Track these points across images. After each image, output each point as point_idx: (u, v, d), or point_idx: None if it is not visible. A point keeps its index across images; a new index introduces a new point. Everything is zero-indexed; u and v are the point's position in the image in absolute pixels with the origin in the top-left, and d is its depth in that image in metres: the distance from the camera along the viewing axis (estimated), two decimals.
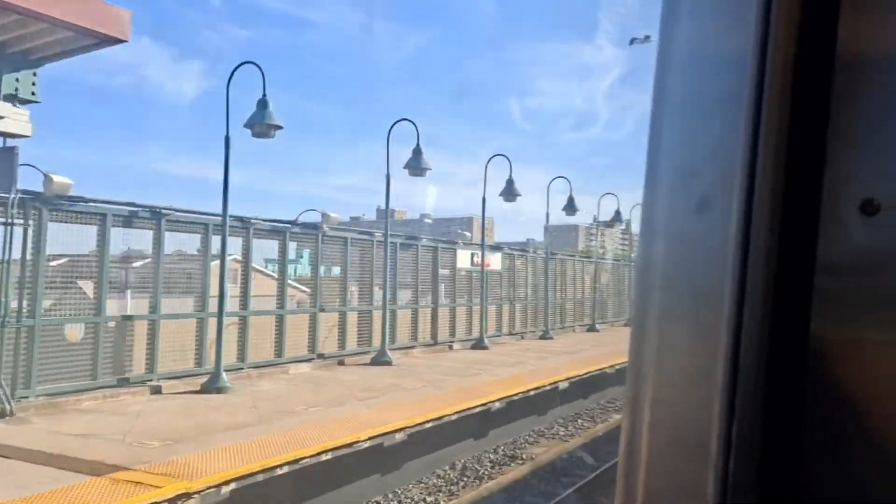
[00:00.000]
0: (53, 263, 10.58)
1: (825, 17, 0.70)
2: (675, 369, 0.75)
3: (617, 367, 16.39)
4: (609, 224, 26.82)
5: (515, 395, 12.55)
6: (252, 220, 13.72)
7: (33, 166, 10.38)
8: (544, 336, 23.28)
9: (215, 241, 12.35)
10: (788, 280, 0.70)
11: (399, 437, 9.23)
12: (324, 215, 15.91)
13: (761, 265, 0.69)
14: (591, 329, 26.49)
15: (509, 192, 20.66)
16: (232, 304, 12.78)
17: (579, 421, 14.63)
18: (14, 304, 9.67)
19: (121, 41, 10.75)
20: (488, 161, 19.83)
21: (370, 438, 8.73)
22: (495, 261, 22.11)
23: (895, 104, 0.68)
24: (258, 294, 14.31)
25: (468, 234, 26.05)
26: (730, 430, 0.69)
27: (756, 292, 0.69)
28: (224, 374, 11.40)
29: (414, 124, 16.37)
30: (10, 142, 10.89)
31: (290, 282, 15.40)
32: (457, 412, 10.69)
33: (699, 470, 0.70)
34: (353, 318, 16.39)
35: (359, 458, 8.52)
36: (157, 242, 11.85)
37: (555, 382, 14.16)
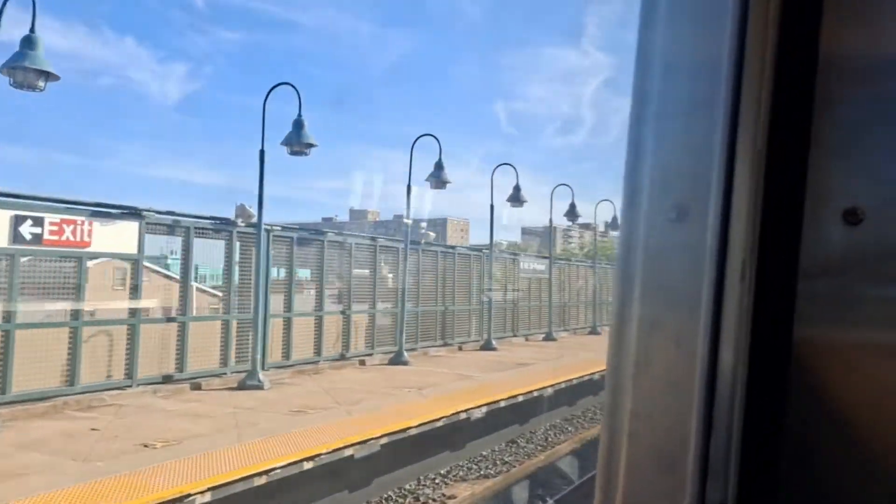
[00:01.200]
0: None
1: (807, 22, 0.69)
2: (653, 380, 0.74)
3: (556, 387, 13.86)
4: (572, 218, 24.49)
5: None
6: (144, 213, 11.42)
7: None
8: (487, 346, 20.17)
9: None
10: (768, 289, 0.69)
11: None
12: (239, 208, 12.83)
13: (737, 274, 0.69)
14: (549, 338, 23.75)
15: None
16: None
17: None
18: None
19: None
20: (413, 143, 18.00)
21: None
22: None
23: (879, 111, 0.69)
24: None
25: (432, 234, 23.04)
26: (707, 445, 0.69)
27: (733, 301, 0.69)
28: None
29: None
30: None
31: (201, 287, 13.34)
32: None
33: (677, 484, 0.71)
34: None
35: None
36: None
37: (467, 409, 10.87)
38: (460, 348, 20.00)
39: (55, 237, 9.88)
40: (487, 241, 21.46)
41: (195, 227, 12.48)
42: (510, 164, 21.43)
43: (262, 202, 12.03)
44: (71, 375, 10.40)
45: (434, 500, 9.19)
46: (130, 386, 11.22)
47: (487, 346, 20.02)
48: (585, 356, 18.04)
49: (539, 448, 12.01)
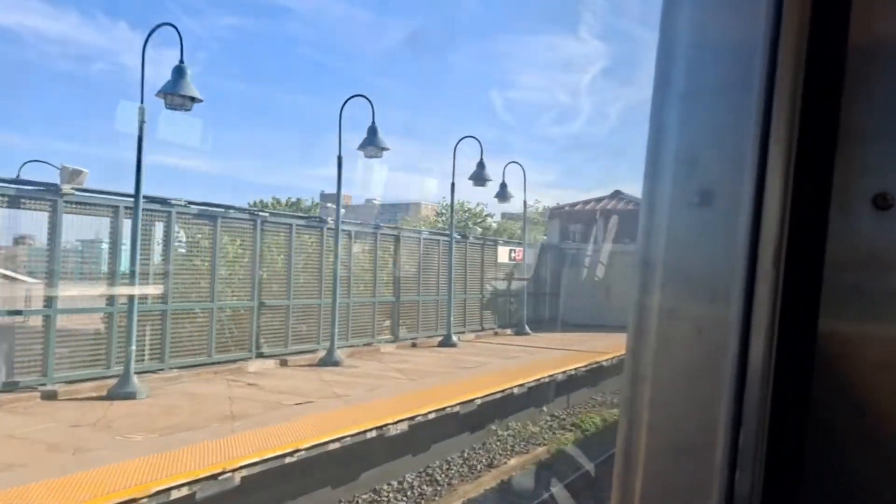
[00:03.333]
0: None
1: (837, 4, 0.68)
2: (673, 369, 0.73)
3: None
4: (479, 182, 18.89)
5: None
6: None
7: None
8: (327, 361, 13.90)
9: None
10: (797, 276, 0.68)
11: None
12: (62, 170, 10.36)
13: (771, 260, 0.67)
14: (447, 343, 17.57)
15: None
16: None
17: None
18: None
19: None
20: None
21: None
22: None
23: None
24: None
25: (331, 205, 20.80)
26: (736, 437, 0.68)
27: (766, 289, 0.67)
28: None
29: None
30: None
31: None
32: None
33: (701, 476, 0.69)
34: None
35: None
36: None
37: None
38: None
39: None
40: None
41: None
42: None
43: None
44: None
45: None
46: None
47: (327, 362, 13.91)
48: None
49: None
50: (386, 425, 9.05)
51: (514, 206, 22.81)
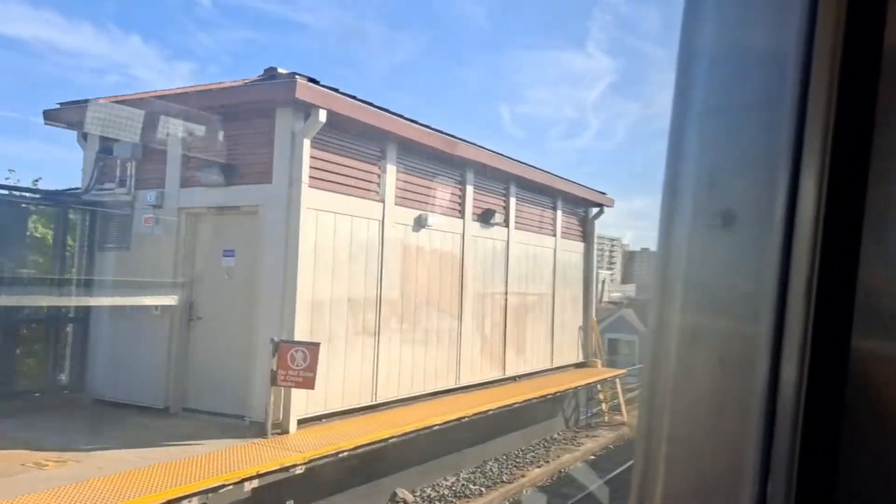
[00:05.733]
0: None
1: (871, 16, 0.65)
2: (694, 399, 0.69)
3: None
4: None
5: None
6: None
7: None
8: None
9: None
10: (829, 299, 0.65)
11: None
12: None
13: (804, 284, 0.64)
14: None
15: None
16: None
17: None
18: None
19: None
20: None
21: None
22: None
23: None
24: None
25: None
26: (766, 477, 0.63)
27: (798, 313, 0.64)
28: None
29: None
30: None
31: None
32: None
33: None
34: None
35: None
36: None
37: None
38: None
39: None
40: None
41: None
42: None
43: None
44: None
45: None
46: None
47: None
48: None
49: None
50: None
51: None
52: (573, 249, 18.11)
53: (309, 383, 8.90)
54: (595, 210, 18.84)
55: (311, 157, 9.62)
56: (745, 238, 0.67)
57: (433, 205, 12.50)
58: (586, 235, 18.74)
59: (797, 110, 0.64)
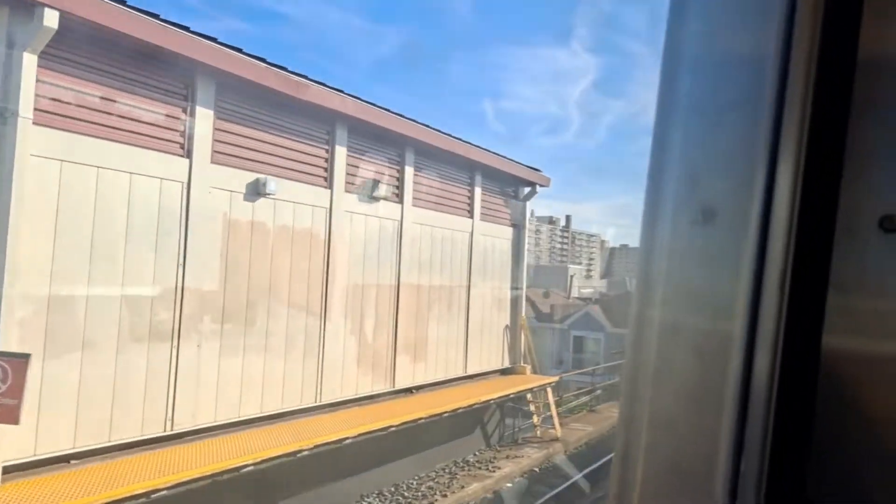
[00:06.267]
0: None
1: (847, 20, 0.67)
2: (673, 389, 0.71)
3: None
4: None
5: None
6: None
7: None
8: None
9: None
10: (802, 296, 0.67)
11: None
12: None
13: (776, 279, 0.66)
14: None
15: None
16: None
17: None
18: None
19: None
20: None
21: None
22: None
23: None
24: None
25: None
26: (738, 462, 0.66)
27: (771, 307, 0.66)
28: None
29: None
30: None
31: None
32: None
33: (699, 501, 0.68)
34: None
35: None
36: None
37: None
38: None
39: None
40: None
41: None
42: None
43: None
44: None
45: None
46: None
47: None
48: None
49: None
50: None
51: None
52: (498, 235, 15.24)
53: (9, 415, 5.92)
54: (527, 190, 15.96)
55: (41, 80, 6.61)
56: (724, 234, 0.69)
57: (280, 167, 9.54)
58: (516, 219, 15.87)
59: (774, 111, 0.66)
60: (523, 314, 16.00)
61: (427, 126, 12.24)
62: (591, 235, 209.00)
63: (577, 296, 62.91)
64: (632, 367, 0.74)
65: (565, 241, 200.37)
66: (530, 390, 15.26)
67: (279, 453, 8.16)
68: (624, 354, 0.76)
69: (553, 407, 15.84)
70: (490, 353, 15.13)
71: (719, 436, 0.66)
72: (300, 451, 8.42)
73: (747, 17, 0.70)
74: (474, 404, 12.76)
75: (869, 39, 0.67)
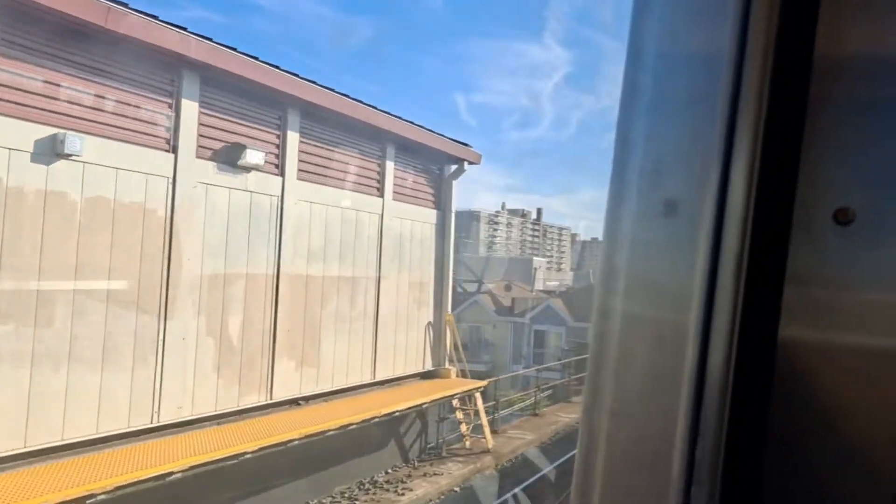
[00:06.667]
0: None
1: (803, 18, 0.69)
2: (634, 378, 0.73)
3: None
4: None
5: None
6: None
7: None
8: None
9: None
10: (758, 287, 0.69)
11: None
12: None
13: (731, 271, 0.68)
14: None
15: None
16: None
17: None
18: None
19: None
20: None
21: None
22: None
23: (873, 110, 0.69)
24: None
25: None
26: (693, 449, 0.68)
27: (725, 299, 0.68)
28: None
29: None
30: None
31: None
32: None
33: (658, 490, 0.70)
34: None
35: None
36: None
37: None
38: None
39: None
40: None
41: None
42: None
43: None
44: None
45: None
46: None
47: None
48: None
49: None
50: None
51: None
52: (418, 218, 13.22)
53: None
54: (453, 167, 13.94)
55: None
56: (685, 227, 0.69)
57: (95, 122, 7.37)
58: (441, 200, 13.85)
59: (731, 107, 0.67)
60: (450, 309, 14.00)
61: (318, 84, 10.14)
62: (563, 228, 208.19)
63: (542, 288, 61.27)
64: (595, 358, 0.74)
65: (536, 234, 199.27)
66: (455, 396, 13.28)
67: (60, 500, 6.03)
68: (588, 346, 0.75)
69: (483, 414, 13.89)
70: (407, 354, 13.12)
71: (676, 424, 0.68)
72: (93, 497, 6.29)
73: (707, 13, 0.71)
74: (382, 414, 10.76)
75: (825, 36, 0.68)
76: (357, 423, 9.98)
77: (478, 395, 13.76)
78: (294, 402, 10.24)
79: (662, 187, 0.71)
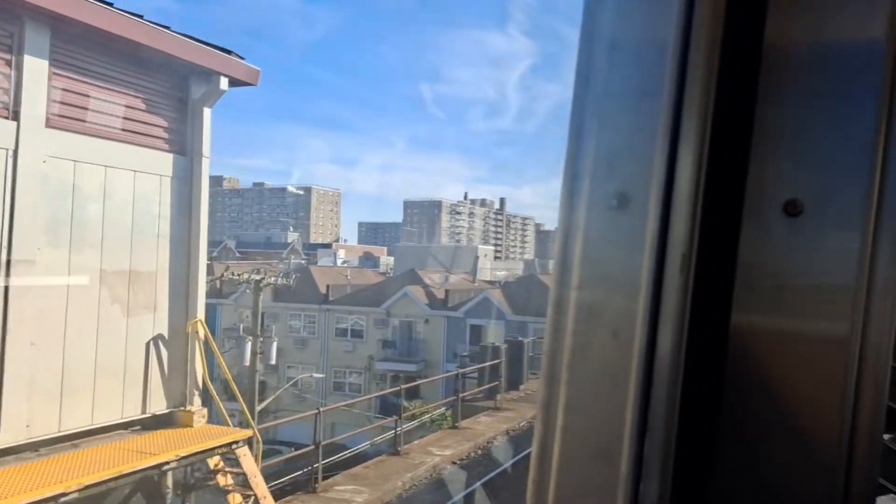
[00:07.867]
0: None
1: (752, 9, 0.69)
2: (590, 371, 0.73)
3: None
4: None
5: None
6: None
7: None
8: None
9: None
10: (707, 279, 0.70)
11: None
12: None
13: (678, 264, 0.68)
14: None
15: None
16: None
17: None
18: None
19: None
20: None
21: None
22: None
23: (821, 102, 0.68)
24: None
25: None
26: (642, 440, 0.68)
27: (672, 292, 0.68)
28: None
29: None
30: None
31: None
32: None
33: (611, 479, 0.70)
34: None
35: None
36: None
37: None
38: None
39: None
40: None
41: None
42: None
43: None
44: None
45: None
46: None
47: None
48: None
49: None
50: None
51: None
52: (142, 168, 8.07)
53: None
54: (202, 89, 8.73)
55: None
56: (638, 218, 0.69)
57: None
58: (185, 141, 8.67)
59: (678, 97, 0.67)
60: (200, 314, 8.82)
61: None
62: (526, 218, 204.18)
63: (487, 279, 56.51)
64: (550, 351, 0.74)
65: (499, 223, 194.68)
66: (193, 455, 8.17)
67: None
68: (543, 339, 0.74)
69: (260, 480, 8.79)
70: (123, 390, 7.98)
71: (625, 417, 0.68)
72: None
73: (656, 3, 0.70)
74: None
75: (774, 26, 0.68)
76: None
77: (244, 449, 8.67)
78: None
79: (615, 180, 0.71)
